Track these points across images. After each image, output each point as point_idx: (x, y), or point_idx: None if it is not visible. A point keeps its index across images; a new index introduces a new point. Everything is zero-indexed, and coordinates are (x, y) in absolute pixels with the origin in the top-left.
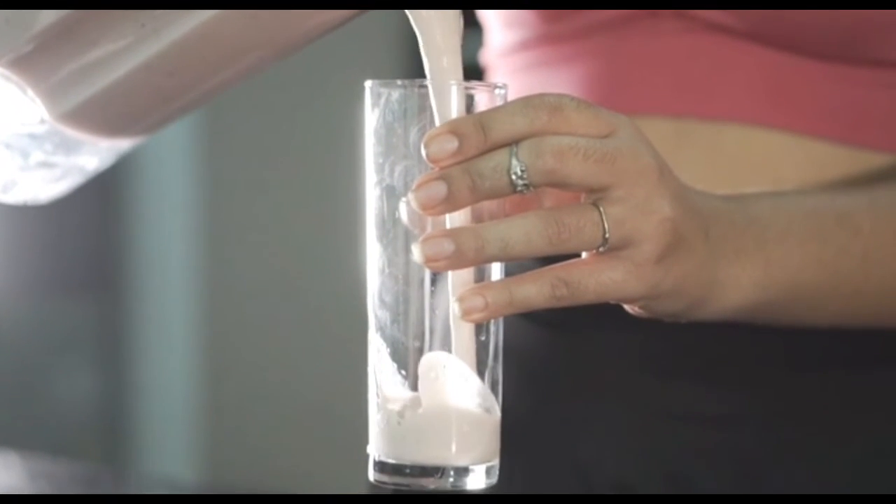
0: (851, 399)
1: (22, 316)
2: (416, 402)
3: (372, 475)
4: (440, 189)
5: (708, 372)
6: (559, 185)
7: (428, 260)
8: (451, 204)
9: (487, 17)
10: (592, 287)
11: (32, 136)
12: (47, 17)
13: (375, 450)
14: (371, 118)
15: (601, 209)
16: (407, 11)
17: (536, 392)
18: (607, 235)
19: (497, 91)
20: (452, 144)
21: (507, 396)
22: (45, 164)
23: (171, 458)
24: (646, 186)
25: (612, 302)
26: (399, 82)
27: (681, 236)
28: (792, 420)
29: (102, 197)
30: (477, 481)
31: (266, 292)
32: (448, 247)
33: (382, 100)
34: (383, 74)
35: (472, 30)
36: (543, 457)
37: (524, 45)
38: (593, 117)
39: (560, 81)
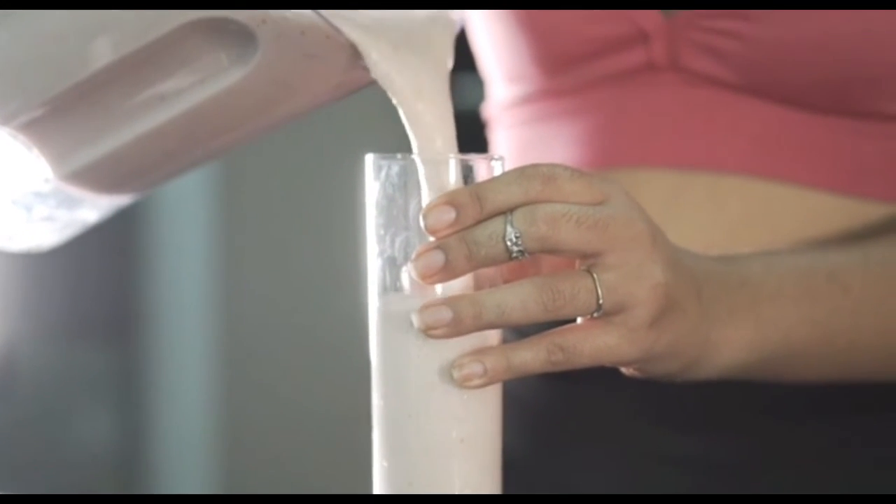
0: (842, 448)
1: (42, 362)
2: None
3: None
4: (438, 258)
5: (700, 420)
6: (553, 251)
7: (427, 327)
8: (448, 272)
9: (489, 71)
10: (587, 352)
11: (37, 194)
12: (64, 83)
13: None
14: (372, 190)
15: (595, 276)
16: (396, 102)
17: (536, 437)
18: (601, 301)
19: (494, 162)
20: (450, 215)
21: (508, 441)
22: (48, 218)
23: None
24: (638, 252)
25: (607, 365)
26: (399, 156)
27: (673, 300)
28: (780, 467)
29: (120, 247)
30: None
31: (279, 343)
32: (446, 314)
33: (383, 173)
34: (389, 147)
35: (474, 78)
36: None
37: (526, 99)
38: (586, 185)
39: (562, 134)
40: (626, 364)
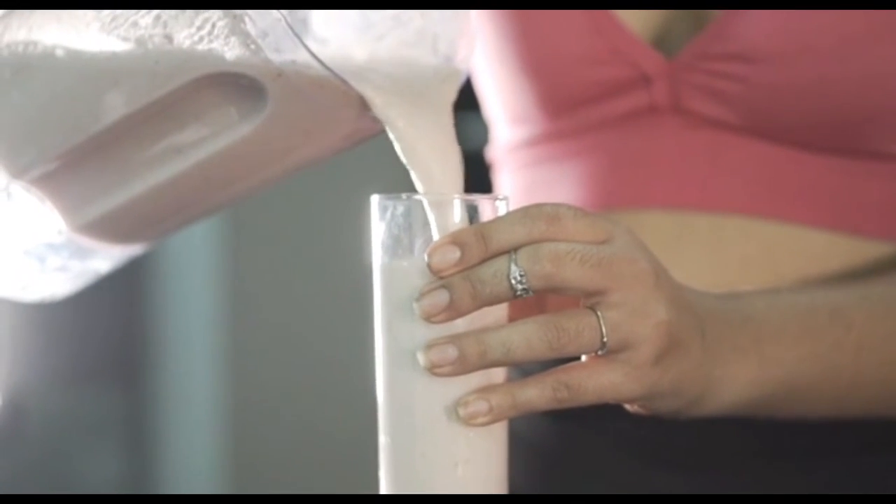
0: (835, 487)
1: (50, 405)
2: None
3: None
4: (443, 297)
5: (704, 461)
6: (557, 289)
7: (433, 366)
8: (453, 311)
9: (494, 113)
10: (592, 389)
11: (50, 245)
12: (77, 137)
13: None
14: (378, 230)
15: (599, 314)
16: (400, 152)
17: (539, 475)
18: (605, 339)
19: (498, 202)
20: (454, 254)
21: (511, 479)
22: (61, 269)
23: None
24: (642, 290)
25: (611, 402)
26: (404, 196)
27: (677, 338)
28: None
29: (127, 289)
30: None
31: (286, 384)
32: (452, 352)
33: (388, 213)
34: (395, 187)
35: (478, 119)
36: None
37: (530, 142)
38: (590, 224)
39: (565, 176)
40: (631, 401)
